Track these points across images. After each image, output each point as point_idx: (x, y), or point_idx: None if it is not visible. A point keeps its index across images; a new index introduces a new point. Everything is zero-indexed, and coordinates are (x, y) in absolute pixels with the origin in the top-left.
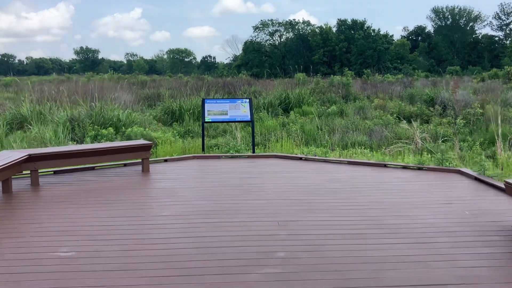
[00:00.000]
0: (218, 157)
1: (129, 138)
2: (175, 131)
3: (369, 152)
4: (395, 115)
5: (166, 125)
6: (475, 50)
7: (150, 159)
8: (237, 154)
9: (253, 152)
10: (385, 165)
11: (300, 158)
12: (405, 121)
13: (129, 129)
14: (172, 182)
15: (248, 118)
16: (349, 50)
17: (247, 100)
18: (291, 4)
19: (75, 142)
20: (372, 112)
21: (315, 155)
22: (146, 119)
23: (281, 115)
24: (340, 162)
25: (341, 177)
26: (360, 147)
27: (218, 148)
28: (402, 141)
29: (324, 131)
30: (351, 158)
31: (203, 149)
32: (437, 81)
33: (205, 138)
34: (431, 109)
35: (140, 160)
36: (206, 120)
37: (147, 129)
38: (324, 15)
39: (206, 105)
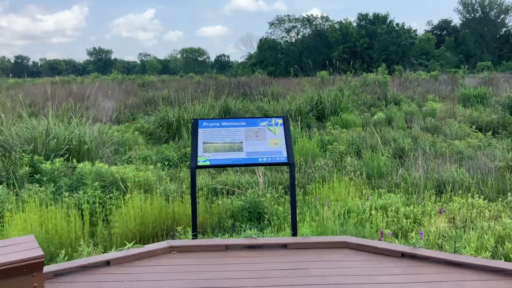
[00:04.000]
0: (221, 249)
1: (80, 179)
2: (163, 163)
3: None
4: (469, 125)
5: (160, 142)
6: (507, 44)
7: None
8: (260, 242)
9: (294, 232)
10: None
11: (402, 255)
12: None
13: (82, 165)
14: None
15: (284, 157)
16: (371, 46)
17: (280, 122)
18: (303, 2)
19: None
20: (430, 121)
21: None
22: (129, 138)
23: (315, 127)
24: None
25: None
26: (465, 193)
27: (224, 194)
28: None
29: (388, 156)
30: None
31: (193, 228)
32: (491, 79)
33: (199, 186)
34: None
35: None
36: (199, 164)
37: (112, 166)
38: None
39: (200, 131)
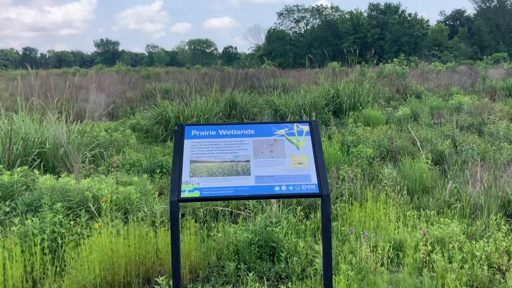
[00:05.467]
0: None
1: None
2: (153, 171)
3: None
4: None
5: (157, 141)
6: None
7: None
8: None
9: None
10: None
11: None
12: None
13: (43, 179)
14: None
15: (313, 185)
16: (382, 36)
17: (306, 129)
18: None
19: None
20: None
21: None
22: (118, 138)
23: (333, 124)
24: None
25: None
26: None
27: (227, 217)
28: None
29: (428, 163)
30: None
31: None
32: None
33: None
34: None
35: None
36: (184, 195)
37: (85, 179)
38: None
39: (187, 144)
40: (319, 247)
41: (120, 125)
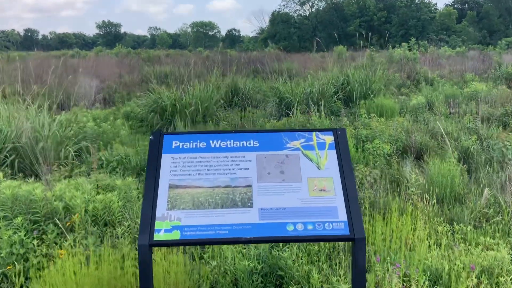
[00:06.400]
0: None
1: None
2: (143, 170)
3: None
4: None
5: (152, 129)
6: None
7: None
8: None
9: None
10: None
11: None
12: None
13: (4, 185)
14: None
15: (341, 222)
16: (389, 20)
17: (329, 140)
18: None
19: None
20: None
21: None
22: (107, 130)
23: (343, 115)
24: None
25: None
26: None
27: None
28: None
29: (454, 163)
30: None
31: None
32: None
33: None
34: None
35: None
36: (158, 237)
37: (59, 184)
38: None
39: (166, 160)
40: (337, 281)
41: (113, 113)
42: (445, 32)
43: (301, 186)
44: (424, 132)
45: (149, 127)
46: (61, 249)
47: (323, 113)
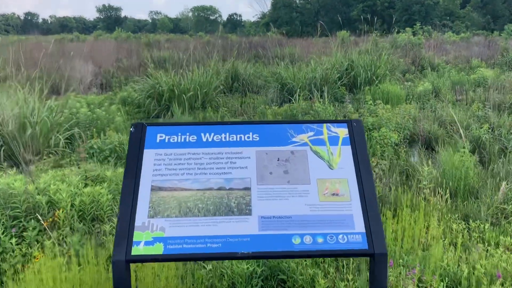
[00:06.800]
0: None
1: None
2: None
3: None
4: None
5: (149, 118)
6: None
7: None
8: None
9: None
10: None
11: None
12: None
13: None
14: None
15: (357, 234)
16: (392, 5)
17: (343, 134)
18: None
19: None
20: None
21: None
22: (101, 116)
23: (347, 101)
24: None
25: None
26: None
27: None
28: None
29: (466, 153)
30: None
31: None
32: None
33: None
34: None
35: None
36: (137, 250)
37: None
38: None
39: (148, 155)
40: (345, 286)
41: (109, 98)
42: (448, 18)
43: (310, 189)
44: (432, 120)
45: (146, 113)
46: (42, 248)
47: (326, 99)
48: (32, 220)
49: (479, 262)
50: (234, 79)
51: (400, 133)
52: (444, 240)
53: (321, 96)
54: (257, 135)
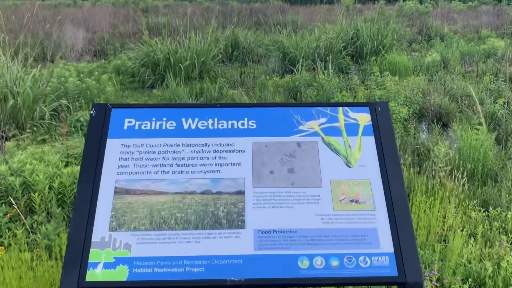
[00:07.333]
0: None
1: None
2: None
3: None
4: None
5: (143, 88)
6: None
7: None
8: None
9: None
10: None
11: None
12: None
13: None
14: None
15: (383, 259)
16: None
17: (365, 120)
18: None
19: None
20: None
21: None
22: (91, 85)
23: (352, 72)
24: None
25: None
26: None
27: None
28: None
29: (484, 133)
30: None
31: None
32: None
33: None
34: None
35: None
36: (91, 280)
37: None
38: None
39: (112, 145)
40: None
41: (102, 67)
42: None
43: (321, 194)
44: (443, 94)
45: (141, 83)
46: (15, 236)
47: (330, 70)
48: (4, 205)
49: (505, 259)
50: (234, 47)
51: (409, 108)
52: (462, 231)
53: (325, 66)
54: (254, 121)
